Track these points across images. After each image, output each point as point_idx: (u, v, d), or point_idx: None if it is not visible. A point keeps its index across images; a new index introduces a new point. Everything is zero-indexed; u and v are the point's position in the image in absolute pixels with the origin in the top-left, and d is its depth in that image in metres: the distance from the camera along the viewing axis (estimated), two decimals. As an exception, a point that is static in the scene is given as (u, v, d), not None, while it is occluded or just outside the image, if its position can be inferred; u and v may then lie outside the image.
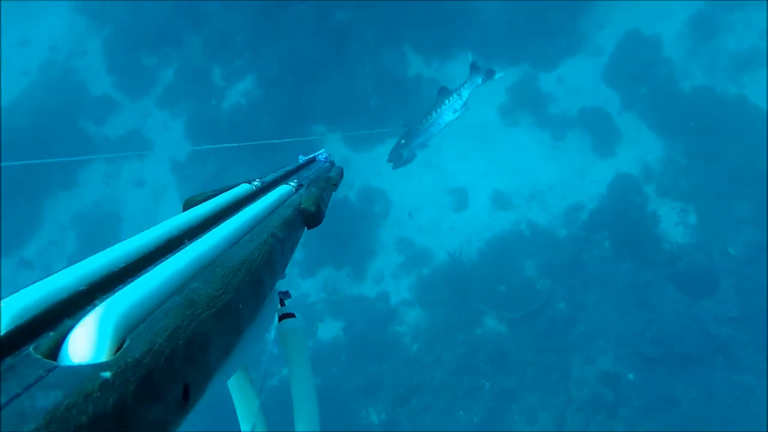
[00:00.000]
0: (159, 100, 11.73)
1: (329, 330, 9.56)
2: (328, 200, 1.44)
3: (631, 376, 8.33)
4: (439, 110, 5.97)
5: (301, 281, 9.85)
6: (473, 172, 9.90)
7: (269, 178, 1.39)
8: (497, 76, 6.13)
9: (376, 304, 9.59)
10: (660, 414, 8.02)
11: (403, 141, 6.22)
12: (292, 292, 1.29)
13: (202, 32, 11.51)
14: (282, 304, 1.29)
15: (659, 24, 9.96)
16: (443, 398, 8.70)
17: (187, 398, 0.48)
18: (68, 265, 0.58)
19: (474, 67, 5.98)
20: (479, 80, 5.97)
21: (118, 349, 0.45)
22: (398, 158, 6.32)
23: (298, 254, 9.51)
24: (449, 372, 8.82)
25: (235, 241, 0.81)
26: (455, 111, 5.95)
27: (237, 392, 1.17)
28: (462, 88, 5.93)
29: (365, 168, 10.25)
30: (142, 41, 11.87)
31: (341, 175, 1.98)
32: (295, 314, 1.26)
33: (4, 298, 0.49)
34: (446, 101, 5.93)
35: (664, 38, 9.90)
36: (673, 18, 9.98)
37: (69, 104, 12.14)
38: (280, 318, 1.25)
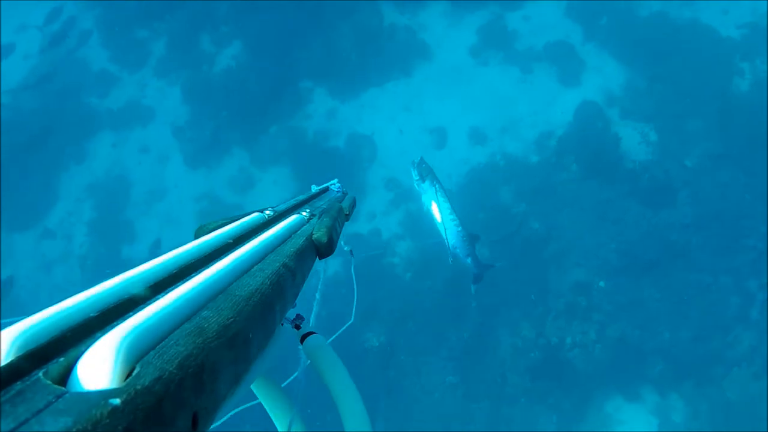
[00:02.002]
0: (154, 70, 12.47)
1: (330, 267, 10.41)
2: (341, 230, 1.43)
3: (602, 283, 9.19)
4: (458, 238, 6.98)
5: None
6: (450, 112, 10.61)
7: (282, 207, 1.40)
8: (472, 288, 7.48)
9: (370, 239, 10.47)
10: (629, 314, 8.91)
11: (437, 184, 6.99)
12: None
13: (188, 3, 12.15)
14: (298, 327, 1.33)
15: (617, -45, 10.46)
16: (436, 319, 9.62)
17: (195, 426, 0.48)
18: (79, 291, 0.58)
19: (487, 266, 7.43)
20: (475, 271, 7.26)
21: (128, 375, 0.44)
22: (420, 179, 7.16)
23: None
24: (440, 295, 9.73)
25: (246, 270, 0.81)
26: (454, 248, 6.99)
27: (266, 399, 1.20)
28: (472, 258, 7.11)
29: (351, 117, 11.01)
30: (132, 16, 12.54)
31: (354, 205, 1.96)
32: (315, 332, 1.29)
33: (15, 323, 0.49)
34: (465, 245, 7.01)
35: (622, -31, 10.42)
36: (630, -52, 10.46)
37: (72, 82, 12.92)
38: (302, 338, 1.27)
